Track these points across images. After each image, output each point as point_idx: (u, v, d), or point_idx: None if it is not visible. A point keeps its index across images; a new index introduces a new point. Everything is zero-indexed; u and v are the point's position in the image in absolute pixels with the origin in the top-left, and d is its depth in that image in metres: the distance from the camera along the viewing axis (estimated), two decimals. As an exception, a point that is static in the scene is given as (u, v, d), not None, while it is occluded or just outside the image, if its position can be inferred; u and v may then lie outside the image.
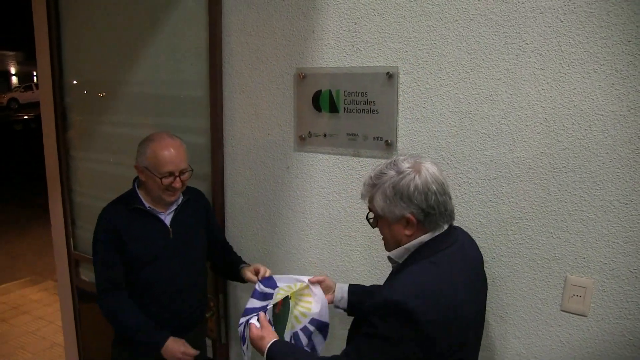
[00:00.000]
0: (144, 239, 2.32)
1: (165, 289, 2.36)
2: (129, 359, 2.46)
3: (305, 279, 2.04)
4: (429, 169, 1.58)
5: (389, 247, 1.69)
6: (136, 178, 2.41)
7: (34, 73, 36.12)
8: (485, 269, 1.80)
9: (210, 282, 2.85)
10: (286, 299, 1.98)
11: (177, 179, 2.28)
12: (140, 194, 2.37)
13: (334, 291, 2.03)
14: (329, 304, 2.05)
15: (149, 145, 2.29)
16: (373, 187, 1.62)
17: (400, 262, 1.65)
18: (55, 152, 3.52)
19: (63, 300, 3.86)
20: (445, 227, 1.62)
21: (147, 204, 2.35)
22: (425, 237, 1.60)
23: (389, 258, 1.69)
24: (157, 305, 2.38)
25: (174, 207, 2.41)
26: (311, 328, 2.03)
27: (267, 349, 1.71)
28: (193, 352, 2.34)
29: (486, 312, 2.02)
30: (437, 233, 1.60)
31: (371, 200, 1.65)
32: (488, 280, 1.86)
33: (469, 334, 1.59)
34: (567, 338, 1.96)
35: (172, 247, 2.37)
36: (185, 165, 2.31)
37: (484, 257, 1.80)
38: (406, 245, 1.62)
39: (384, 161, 1.67)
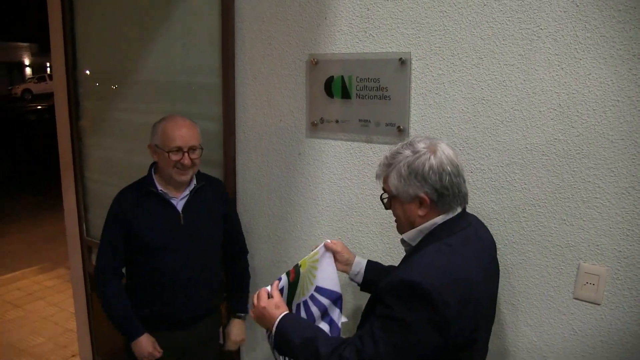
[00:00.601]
0: (154, 224, 2.34)
1: (176, 277, 2.38)
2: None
3: (323, 243, 1.96)
4: (445, 150, 1.58)
5: (401, 228, 1.69)
6: (152, 164, 2.44)
7: (47, 64, 36.44)
8: (497, 255, 1.78)
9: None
10: (297, 267, 1.89)
11: (186, 155, 2.28)
12: (155, 178, 2.39)
13: (351, 264, 2.01)
14: (346, 274, 2.02)
15: (161, 123, 2.34)
16: (388, 166, 1.62)
17: (414, 244, 1.64)
18: (68, 139, 3.55)
19: (75, 285, 3.90)
20: (459, 209, 1.62)
21: (159, 187, 2.37)
22: (438, 219, 1.60)
23: (402, 241, 1.69)
24: (168, 293, 2.40)
25: (186, 193, 2.41)
26: (324, 301, 1.94)
27: (277, 321, 1.67)
28: (157, 354, 2.41)
29: (498, 300, 2.03)
30: (450, 215, 1.60)
31: (386, 180, 1.65)
32: (500, 268, 1.84)
33: (481, 318, 1.58)
34: (580, 326, 1.95)
35: (183, 234, 2.37)
36: (194, 142, 2.33)
37: (496, 244, 1.79)
38: (420, 227, 1.61)
39: (399, 144, 1.66)
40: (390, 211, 1.72)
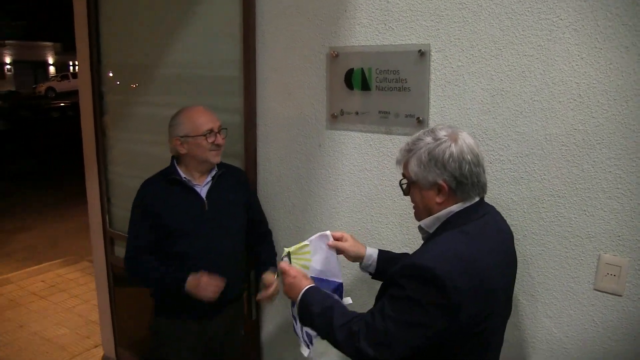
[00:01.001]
0: (179, 210, 2.39)
1: (201, 262, 2.40)
2: (169, 327, 2.53)
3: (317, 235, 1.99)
4: (466, 139, 1.59)
5: (419, 215, 1.70)
6: (173, 157, 2.49)
7: (70, 63, 36.94)
8: (516, 246, 1.78)
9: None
10: (288, 256, 1.95)
11: (218, 135, 2.39)
12: (179, 168, 2.44)
13: (362, 257, 2.02)
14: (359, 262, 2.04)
15: (181, 114, 2.41)
16: (409, 152, 1.63)
17: (431, 232, 1.65)
18: (92, 132, 3.61)
19: (98, 276, 3.95)
20: (477, 199, 1.62)
21: (183, 175, 2.42)
22: (455, 207, 1.60)
23: (420, 228, 1.70)
24: None
25: (209, 179, 2.47)
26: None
27: (303, 290, 1.75)
28: (216, 280, 2.38)
29: (517, 291, 2.02)
30: (467, 204, 1.60)
31: (405, 166, 1.66)
32: (519, 258, 1.84)
33: (495, 306, 1.58)
34: (601, 318, 1.94)
35: (208, 220, 2.43)
36: (219, 122, 2.43)
37: (515, 235, 1.79)
38: (437, 215, 1.62)
39: (421, 130, 1.67)
40: (408, 201, 1.73)
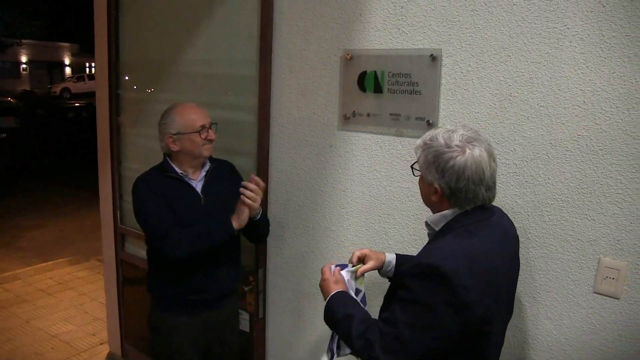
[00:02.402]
0: (177, 205, 2.42)
1: (198, 257, 2.40)
2: (167, 322, 2.56)
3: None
4: (475, 155, 1.56)
5: (423, 199, 1.75)
6: (165, 154, 2.53)
7: (87, 64, 37.12)
8: (520, 249, 1.82)
9: (250, 257, 2.96)
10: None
11: (210, 130, 2.45)
12: (173, 164, 2.49)
13: (383, 263, 2.03)
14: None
15: (171, 112, 2.45)
16: (423, 146, 1.65)
17: (437, 229, 1.68)
18: (107, 129, 3.68)
19: (108, 272, 4.00)
20: (468, 208, 1.63)
21: (179, 171, 2.47)
22: (449, 212, 1.64)
23: (426, 223, 1.73)
24: (190, 273, 2.47)
25: (203, 174, 2.52)
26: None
27: (330, 295, 1.78)
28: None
29: (520, 293, 2.08)
30: (460, 211, 1.63)
31: (419, 156, 1.69)
32: (522, 261, 1.89)
33: (500, 307, 1.61)
34: (599, 320, 1.97)
35: (204, 215, 2.44)
36: (209, 119, 2.48)
37: (519, 237, 1.82)
38: (443, 213, 1.65)
39: (447, 127, 1.67)
40: (417, 202, 1.79)
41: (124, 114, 3.64)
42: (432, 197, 1.65)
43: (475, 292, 1.46)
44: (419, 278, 1.51)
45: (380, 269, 2.02)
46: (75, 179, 11.31)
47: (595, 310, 1.98)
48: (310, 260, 2.78)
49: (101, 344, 4.48)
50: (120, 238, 3.78)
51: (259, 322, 3.06)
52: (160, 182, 2.44)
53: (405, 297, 1.53)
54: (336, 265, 1.92)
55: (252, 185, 2.36)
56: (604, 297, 1.96)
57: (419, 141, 1.69)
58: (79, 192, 10.18)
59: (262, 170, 2.83)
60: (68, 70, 39.43)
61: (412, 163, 1.75)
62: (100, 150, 3.80)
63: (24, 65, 36.58)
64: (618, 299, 1.93)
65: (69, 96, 29.60)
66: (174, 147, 2.43)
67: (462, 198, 1.59)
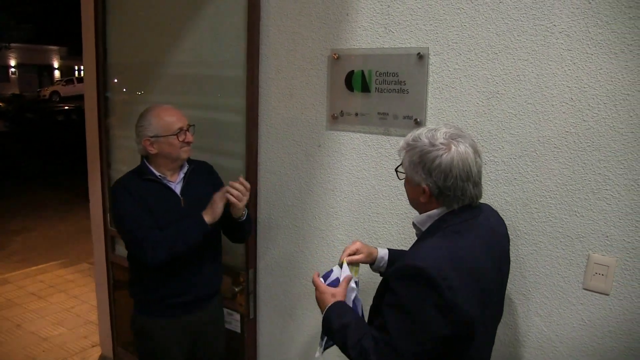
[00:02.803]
0: (156, 208, 2.39)
1: (179, 258, 2.38)
2: (150, 325, 2.55)
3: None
4: (461, 151, 1.55)
5: (410, 202, 1.74)
6: (142, 157, 2.50)
7: (76, 67, 36.97)
8: (510, 247, 1.82)
9: (240, 258, 2.95)
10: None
11: (187, 133, 2.42)
12: (150, 166, 2.46)
13: (375, 258, 2.02)
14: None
15: (148, 115, 2.42)
16: (407, 147, 1.64)
17: (424, 229, 1.67)
18: (96, 131, 3.64)
19: (98, 274, 3.97)
20: (456, 207, 1.63)
21: (157, 173, 2.44)
22: (435, 212, 1.63)
23: (413, 224, 1.72)
24: (172, 276, 2.45)
25: (181, 176, 2.50)
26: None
27: (327, 307, 1.74)
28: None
29: (510, 290, 2.07)
30: (448, 210, 1.62)
31: (402, 158, 1.68)
32: (512, 258, 1.89)
33: (489, 306, 1.61)
34: (589, 316, 1.98)
35: (184, 216, 2.40)
36: (187, 121, 2.45)
37: (509, 236, 1.82)
38: (429, 213, 1.65)
39: (428, 126, 1.67)
40: (405, 201, 1.76)
41: (113, 117, 3.61)
42: (420, 198, 1.64)
43: (462, 293, 1.46)
44: (405, 280, 1.50)
45: (372, 264, 2.02)
46: (65, 182, 11.25)
47: (585, 306, 1.99)
48: (301, 259, 2.78)
49: (93, 346, 4.47)
50: (110, 240, 3.75)
51: (249, 323, 3.05)
52: (139, 185, 2.41)
53: (393, 302, 1.53)
54: (322, 277, 1.88)
55: (238, 185, 2.35)
56: (593, 293, 1.96)
57: (401, 143, 1.68)
58: (68, 195, 10.13)
59: (251, 171, 2.82)
60: (57, 73, 39.32)
61: (396, 167, 1.74)
62: (90, 153, 3.78)
63: (12, 69, 36.45)
64: (608, 295, 1.93)
65: (58, 99, 29.50)
66: (152, 150, 2.41)
67: (450, 196, 1.59)
